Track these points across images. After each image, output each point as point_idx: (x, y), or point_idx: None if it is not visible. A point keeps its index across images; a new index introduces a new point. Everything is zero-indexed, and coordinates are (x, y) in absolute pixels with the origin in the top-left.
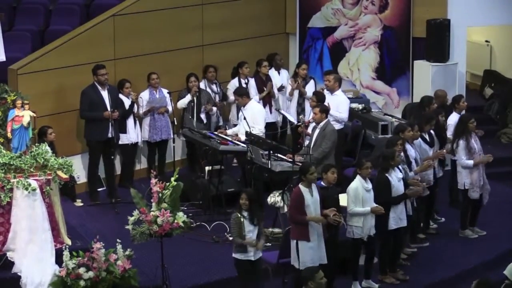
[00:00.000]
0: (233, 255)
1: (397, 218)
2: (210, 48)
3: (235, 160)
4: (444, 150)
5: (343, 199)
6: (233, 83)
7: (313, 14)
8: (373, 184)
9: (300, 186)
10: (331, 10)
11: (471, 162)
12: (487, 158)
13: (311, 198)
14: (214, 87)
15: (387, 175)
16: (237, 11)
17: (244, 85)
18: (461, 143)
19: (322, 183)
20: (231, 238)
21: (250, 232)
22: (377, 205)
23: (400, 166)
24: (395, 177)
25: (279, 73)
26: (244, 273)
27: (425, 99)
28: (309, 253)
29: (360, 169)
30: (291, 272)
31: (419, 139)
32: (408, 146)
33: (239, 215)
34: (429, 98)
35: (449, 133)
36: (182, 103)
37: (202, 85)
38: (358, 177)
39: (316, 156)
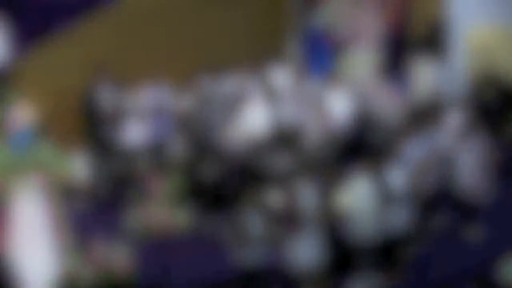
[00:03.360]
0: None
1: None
2: (209, 48)
3: None
4: None
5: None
6: None
7: (313, 14)
8: None
9: None
10: (331, 10)
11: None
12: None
13: None
14: None
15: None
16: (236, 11)
17: None
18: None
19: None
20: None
21: None
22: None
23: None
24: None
25: (281, 72)
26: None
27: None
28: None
29: (366, 168)
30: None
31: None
32: (408, 145)
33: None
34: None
35: None
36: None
37: None
38: (364, 177)
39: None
